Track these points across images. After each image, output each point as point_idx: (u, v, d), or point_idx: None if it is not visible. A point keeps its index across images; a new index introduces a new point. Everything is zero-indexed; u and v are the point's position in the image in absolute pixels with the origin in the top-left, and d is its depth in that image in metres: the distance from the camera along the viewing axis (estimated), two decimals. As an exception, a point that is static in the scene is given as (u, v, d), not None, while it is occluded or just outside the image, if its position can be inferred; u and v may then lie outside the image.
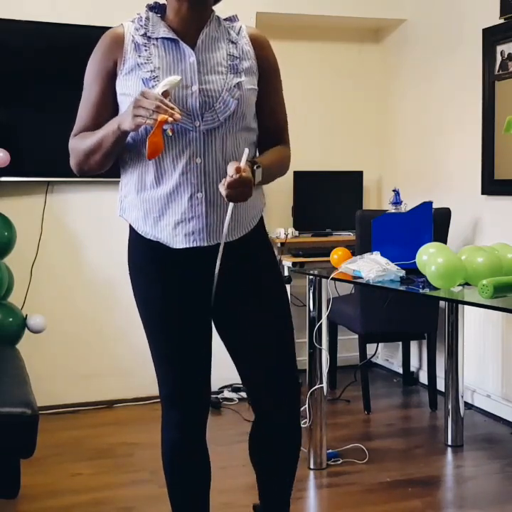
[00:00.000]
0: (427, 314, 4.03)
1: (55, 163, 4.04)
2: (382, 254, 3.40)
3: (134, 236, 2.02)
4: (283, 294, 2.07)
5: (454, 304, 3.42)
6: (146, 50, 1.90)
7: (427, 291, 3.05)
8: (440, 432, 3.66)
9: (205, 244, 1.91)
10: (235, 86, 1.90)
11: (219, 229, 1.91)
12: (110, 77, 1.94)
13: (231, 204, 1.85)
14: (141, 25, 1.94)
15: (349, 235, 4.60)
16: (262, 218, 2.07)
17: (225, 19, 2.00)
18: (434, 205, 3.67)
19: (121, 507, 2.92)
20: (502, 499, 3.02)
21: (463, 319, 3.55)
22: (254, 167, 1.87)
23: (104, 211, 4.17)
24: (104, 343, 4.18)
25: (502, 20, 3.78)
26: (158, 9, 1.98)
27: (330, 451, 3.32)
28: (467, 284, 2.99)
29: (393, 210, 3.89)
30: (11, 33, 3.88)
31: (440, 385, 3.95)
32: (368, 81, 4.95)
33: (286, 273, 4.39)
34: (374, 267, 3.25)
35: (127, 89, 1.91)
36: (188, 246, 1.92)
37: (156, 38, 1.92)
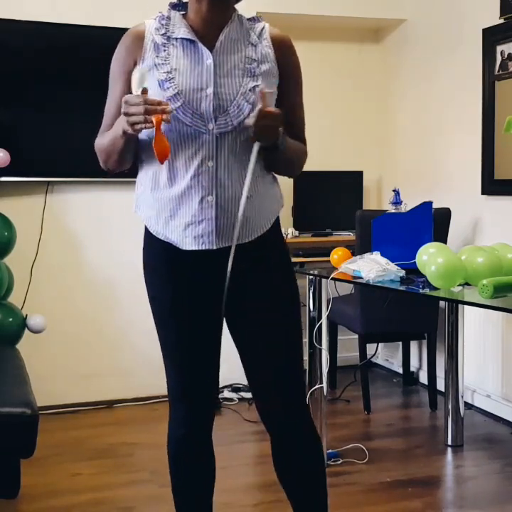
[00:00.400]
0: (427, 314, 4.03)
1: (55, 163, 4.06)
2: (382, 254, 3.40)
3: (148, 235, 2.01)
4: (293, 295, 2.04)
5: (454, 303, 3.42)
6: (164, 50, 1.90)
7: (427, 291, 3.04)
8: (440, 432, 3.66)
9: (214, 248, 1.91)
10: (250, 90, 1.88)
11: (229, 232, 1.90)
12: (131, 76, 1.93)
13: (242, 206, 1.83)
14: (162, 25, 1.93)
15: (349, 235, 4.60)
16: (277, 219, 2.04)
17: (248, 19, 1.97)
18: (434, 205, 3.67)
19: (121, 507, 2.92)
20: (502, 499, 3.01)
21: (463, 319, 3.55)
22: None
23: (104, 211, 4.17)
24: (104, 343, 4.18)
25: (502, 20, 3.78)
26: (181, 7, 1.96)
27: (330, 451, 3.32)
28: (467, 284, 2.99)
29: (393, 210, 3.89)
30: (11, 33, 3.88)
31: (440, 385, 3.95)
32: (367, 81, 4.95)
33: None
34: (374, 267, 3.25)
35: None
36: (197, 248, 1.92)
37: (176, 38, 1.91)
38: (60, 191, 4.09)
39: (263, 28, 1.97)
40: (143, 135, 1.90)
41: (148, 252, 2.02)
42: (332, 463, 3.28)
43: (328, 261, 3.28)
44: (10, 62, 3.90)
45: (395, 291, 3.21)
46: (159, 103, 1.74)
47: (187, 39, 1.90)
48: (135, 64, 1.92)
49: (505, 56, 3.77)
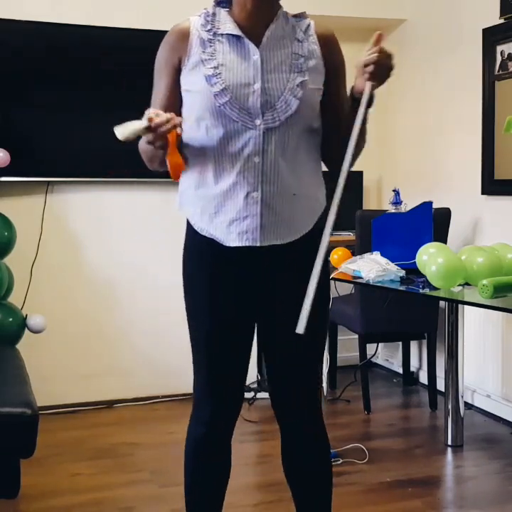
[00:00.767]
0: (427, 314, 4.03)
1: (55, 163, 4.06)
2: (382, 254, 3.40)
3: (191, 231, 2.01)
4: (324, 302, 2.03)
5: (454, 303, 3.42)
6: (210, 46, 1.89)
7: (427, 291, 3.05)
8: (440, 432, 3.66)
9: (258, 245, 1.90)
10: (297, 85, 1.88)
11: (273, 230, 1.89)
12: (176, 73, 1.94)
13: (344, 172, 1.81)
14: (208, 21, 1.93)
15: (349, 235, 4.60)
16: (320, 221, 2.00)
17: (293, 16, 1.97)
18: (434, 205, 3.67)
19: (121, 507, 2.91)
20: (502, 499, 3.01)
21: (463, 319, 3.55)
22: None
23: (104, 211, 4.17)
24: (104, 343, 4.18)
25: (502, 20, 3.78)
26: (225, 4, 1.96)
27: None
28: (467, 284, 2.99)
29: (393, 210, 3.90)
30: (11, 33, 3.88)
31: (440, 385, 3.95)
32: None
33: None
34: (374, 267, 3.25)
35: (191, 85, 1.91)
36: (240, 244, 1.90)
37: (221, 34, 1.91)
38: (60, 191, 4.09)
39: (309, 24, 1.97)
40: (189, 137, 1.91)
41: (191, 248, 2.02)
42: (332, 463, 3.28)
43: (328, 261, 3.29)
44: (10, 62, 3.90)
45: (395, 291, 3.21)
46: (168, 120, 1.75)
47: (233, 35, 1.90)
48: (180, 61, 1.93)
49: (505, 56, 3.77)
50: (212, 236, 1.93)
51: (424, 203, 3.63)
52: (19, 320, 3.68)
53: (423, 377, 4.46)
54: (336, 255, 3.49)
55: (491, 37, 3.85)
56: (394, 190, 3.99)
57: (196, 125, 1.90)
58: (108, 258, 4.18)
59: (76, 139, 4.07)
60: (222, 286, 1.95)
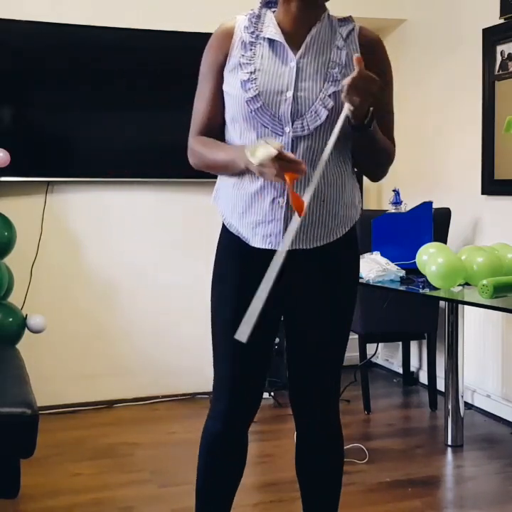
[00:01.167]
0: (426, 314, 4.03)
1: (55, 163, 4.06)
2: (382, 254, 3.40)
3: (224, 226, 2.04)
4: (349, 308, 2.10)
5: (454, 303, 3.42)
6: (251, 49, 1.91)
7: (427, 291, 3.05)
8: (440, 432, 3.66)
9: (280, 249, 1.91)
10: (329, 95, 1.88)
11: (297, 235, 1.90)
12: (222, 71, 1.95)
13: (296, 216, 1.79)
14: (252, 23, 1.94)
15: (349, 235, 4.59)
16: (353, 227, 2.04)
17: (339, 19, 1.98)
18: (434, 205, 3.67)
19: (121, 507, 2.91)
20: (502, 499, 3.01)
21: (463, 319, 3.55)
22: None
23: (104, 211, 4.17)
24: (104, 343, 4.18)
25: (502, 20, 3.78)
26: (273, 4, 1.97)
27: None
28: (467, 284, 2.99)
29: (393, 210, 3.90)
30: (11, 33, 3.88)
31: (440, 385, 3.95)
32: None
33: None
34: (374, 267, 3.25)
35: (229, 87, 1.93)
36: (264, 247, 1.94)
37: (263, 38, 1.92)
38: (60, 191, 4.09)
39: (353, 29, 1.98)
40: (233, 137, 1.94)
41: (223, 242, 2.05)
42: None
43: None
44: (10, 62, 3.90)
45: (395, 291, 3.22)
46: (294, 162, 1.73)
47: (273, 40, 1.91)
48: (225, 59, 1.94)
49: (505, 56, 3.77)
50: (240, 234, 1.97)
51: (424, 203, 3.63)
52: (19, 320, 3.68)
53: (423, 377, 4.46)
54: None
55: (491, 37, 3.85)
56: (394, 190, 3.99)
57: (232, 126, 1.95)
58: (108, 258, 4.18)
59: (76, 139, 4.07)
60: (248, 283, 1.93)
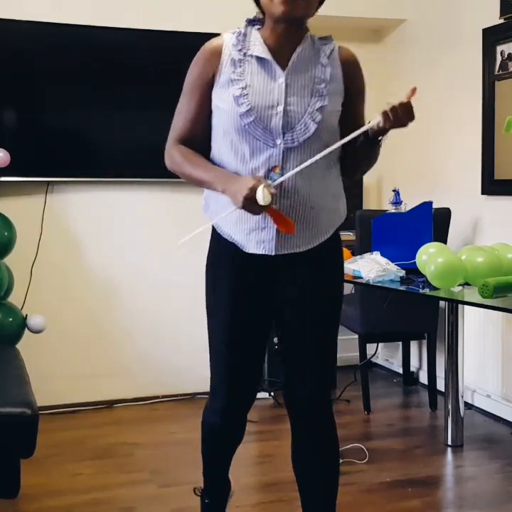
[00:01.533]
0: (426, 314, 4.03)
1: (55, 163, 4.06)
2: (382, 254, 3.40)
3: (215, 234, 2.13)
4: (337, 298, 2.14)
5: (454, 303, 3.42)
6: (240, 66, 2.00)
7: (426, 291, 3.05)
8: (440, 432, 3.66)
9: (273, 254, 2.02)
10: (317, 110, 1.99)
11: (288, 240, 2.01)
12: (209, 88, 2.04)
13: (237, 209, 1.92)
14: (239, 41, 2.02)
15: (349, 235, 4.59)
16: (336, 231, 2.13)
17: (319, 38, 2.07)
18: (434, 205, 3.67)
19: (121, 507, 2.91)
20: (502, 499, 3.01)
21: (463, 319, 3.55)
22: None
23: (104, 211, 4.17)
24: (104, 343, 4.18)
25: (502, 20, 3.78)
26: (257, 22, 2.06)
27: (330, 451, 3.32)
28: (467, 284, 2.99)
29: (393, 210, 3.90)
30: (11, 33, 3.88)
31: (440, 385, 3.95)
32: (367, 81, 4.91)
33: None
34: (374, 267, 3.26)
35: (221, 102, 2.01)
36: (258, 252, 2.04)
37: (251, 55, 2.01)
38: (60, 191, 4.09)
39: (333, 49, 2.07)
40: (217, 148, 2.05)
41: (215, 249, 2.14)
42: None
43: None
44: (10, 62, 3.90)
45: (395, 291, 3.21)
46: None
47: (262, 57, 2.00)
48: (213, 77, 2.02)
49: (505, 56, 3.77)
50: (234, 241, 2.06)
51: (424, 203, 3.63)
52: (19, 320, 3.68)
53: (423, 377, 4.46)
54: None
55: (491, 37, 3.85)
56: (394, 190, 3.99)
57: (223, 138, 2.02)
58: (108, 258, 4.18)
59: (76, 139, 4.07)
60: (243, 286, 2.07)
